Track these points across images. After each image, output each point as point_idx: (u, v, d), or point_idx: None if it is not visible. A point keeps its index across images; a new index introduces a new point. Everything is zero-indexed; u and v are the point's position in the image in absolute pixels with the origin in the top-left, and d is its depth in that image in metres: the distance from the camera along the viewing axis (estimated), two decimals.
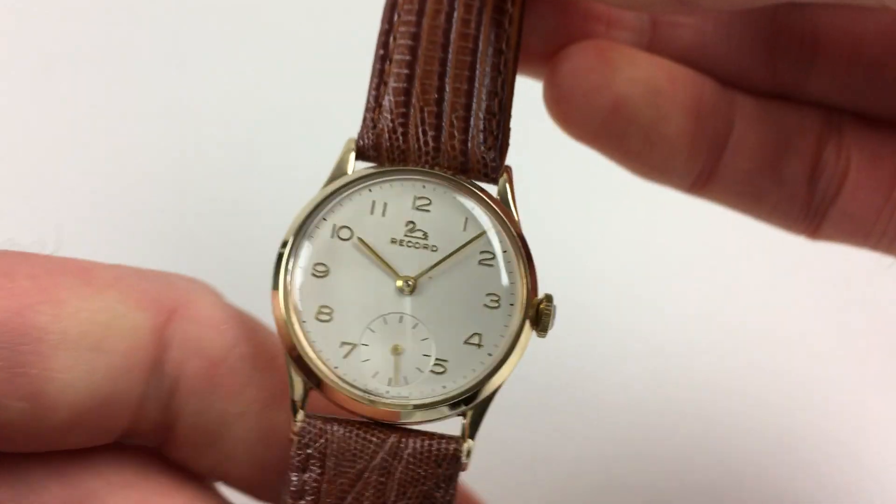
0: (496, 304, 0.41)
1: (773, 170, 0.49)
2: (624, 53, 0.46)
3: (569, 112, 0.46)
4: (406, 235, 0.42)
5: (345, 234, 0.42)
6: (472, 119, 0.43)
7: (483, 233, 0.42)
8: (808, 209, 0.49)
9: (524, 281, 0.41)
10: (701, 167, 0.48)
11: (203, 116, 0.69)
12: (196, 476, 0.42)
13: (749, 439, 0.60)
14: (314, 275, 0.41)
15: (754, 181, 0.49)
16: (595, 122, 0.46)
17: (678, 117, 0.47)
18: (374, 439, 0.39)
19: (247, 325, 0.41)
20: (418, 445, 0.39)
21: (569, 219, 0.67)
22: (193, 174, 0.68)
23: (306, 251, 0.41)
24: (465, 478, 0.51)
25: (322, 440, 0.39)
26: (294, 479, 0.39)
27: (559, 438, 0.60)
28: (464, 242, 0.42)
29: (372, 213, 0.42)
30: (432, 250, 0.41)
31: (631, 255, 0.66)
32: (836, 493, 0.59)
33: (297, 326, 0.40)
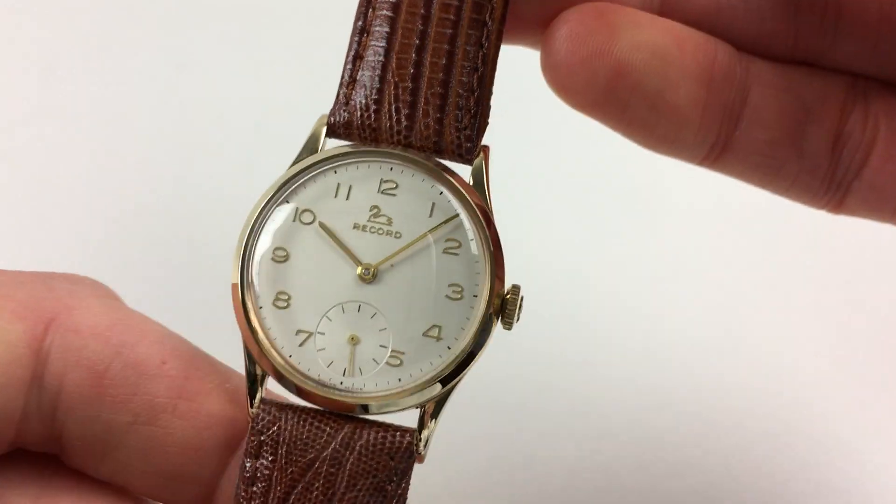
0: (458, 296, 0.40)
1: (792, 140, 0.45)
2: (627, 16, 0.43)
3: (567, 80, 0.43)
4: (370, 220, 0.40)
5: (307, 217, 0.40)
6: (449, 96, 0.41)
7: (449, 219, 0.40)
8: (831, 182, 0.46)
9: (489, 271, 0.40)
10: (714, 138, 0.45)
11: (203, 117, 0.69)
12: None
13: (749, 439, 0.58)
14: (273, 259, 0.40)
15: (772, 152, 0.45)
16: (595, 91, 0.43)
17: (688, 84, 0.43)
18: (328, 429, 0.39)
19: (135, 329, 0.39)
20: (371, 437, 0.39)
21: (566, 220, 0.65)
22: (193, 174, 0.68)
23: (266, 235, 0.40)
24: (464, 478, 0.51)
25: (275, 427, 0.39)
26: (247, 465, 0.39)
27: (558, 438, 0.59)
28: (428, 229, 0.40)
29: (336, 196, 0.41)
30: (395, 237, 0.40)
31: (630, 255, 0.64)
32: (836, 493, 0.57)
33: (252, 312, 0.40)
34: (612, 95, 0.43)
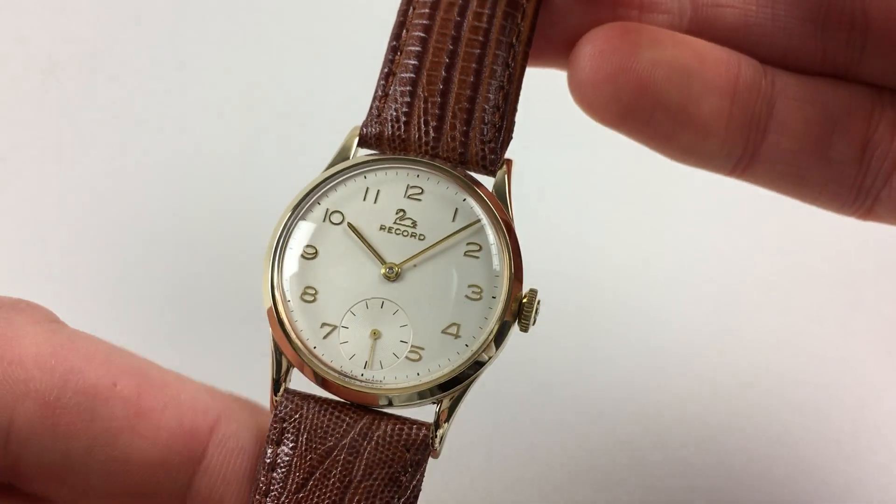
0: (478, 296, 0.41)
1: (819, 150, 0.46)
2: (648, 34, 0.45)
3: (592, 96, 0.45)
4: (395, 223, 0.42)
5: (336, 218, 0.43)
6: (475, 111, 0.44)
7: (471, 224, 0.42)
8: (860, 190, 0.47)
9: (509, 275, 0.41)
10: (741, 149, 0.46)
11: (203, 117, 0.70)
12: None
13: (749, 439, 0.58)
14: (303, 256, 0.42)
15: (799, 162, 0.46)
16: (619, 106, 0.45)
17: (711, 98, 0.45)
18: (347, 419, 0.40)
19: (81, 352, 0.38)
20: (389, 429, 0.40)
21: (570, 220, 0.66)
22: (193, 174, 0.68)
23: (298, 233, 0.42)
24: (464, 476, 0.51)
25: (297, 416, 0.40)
26: (268, 451, 0.40)
27: (558, 437, 0.59)
28: (451, 232, 0.42)
29: (364, 199, 0.43)
30: (419, 239, 0.42)
31: (632, 255, 0.65)
32: (837, 493, 0.56)
33: (280, 305, 0.42)
34: (636, 110, 0.45)
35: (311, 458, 0.40)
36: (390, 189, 0.43)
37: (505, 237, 0.42)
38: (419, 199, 0.43)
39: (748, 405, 0.59)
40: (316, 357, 0.41)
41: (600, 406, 0.59)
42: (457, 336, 0.41)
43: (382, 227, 0.42)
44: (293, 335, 0.41)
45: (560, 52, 0.47)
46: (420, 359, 0.41)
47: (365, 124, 0.44)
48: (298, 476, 0.40)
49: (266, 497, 0.40)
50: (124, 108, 0.70)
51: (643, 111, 0.45)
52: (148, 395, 0.38)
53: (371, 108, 0.44)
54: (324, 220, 0.43)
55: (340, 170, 0.43)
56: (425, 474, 0.41)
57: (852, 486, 0.56)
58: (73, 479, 0.38)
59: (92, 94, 0.70)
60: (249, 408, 0.41)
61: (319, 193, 0.43)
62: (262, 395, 0.42)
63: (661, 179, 0.65)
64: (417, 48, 0.45)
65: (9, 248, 0.64)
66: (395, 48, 0.45)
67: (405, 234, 0.42)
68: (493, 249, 0.42)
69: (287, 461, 0.40)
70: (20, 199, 0.67)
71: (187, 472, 0.39)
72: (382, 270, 0.42)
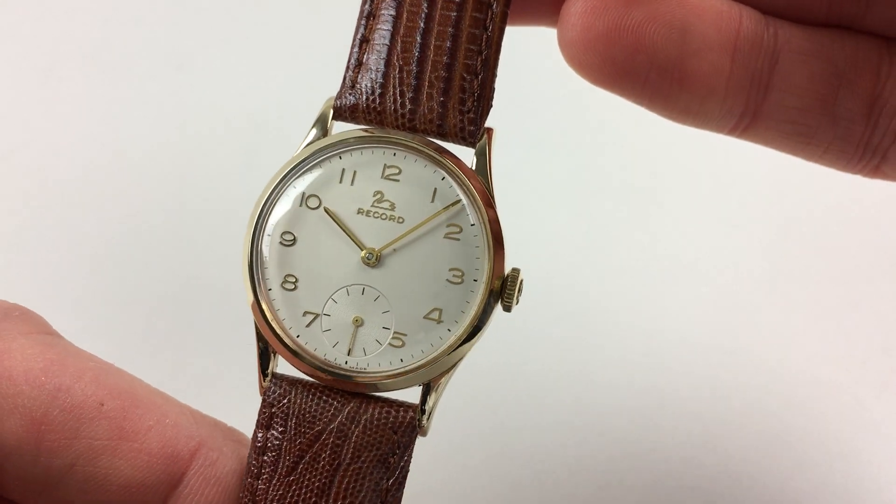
0: (459, 280, 0.41)
1: (825, 107, 0.44)
2: None
3: (584, 56, 0.42)
4: (373, 206, 0.41)
5: (312, 202, 0.42)
6: (453, 79, 0.42)
7: (451, 205, 0.41)
8: (867, 148, 0.45)
9: (490, 256, 0.41)
10: (742, 107, 0.44)
11: (202, 117, 0.69)
12: None
13: (748, 439, 0.59)
14: (281, 243, 0.42)
15: (804, 120, 0.44)
16: (613, 66, 0.42)
17: (710, 54, 0.43)
18: (335, 403, 0.41)
19: (70, 369, 0.39)
20: (376, 412, 0.41)
21: (570, 219, 0.65)
22: (193, 174, 0.68)
23: (274, 220, 0.42)
24: (464, 475, 0.52)
25: (286, 400, 0.41)
26: (259, 436, 0.41)
27: (558, 437, 0.60)
28: (430, 215, 0.41)
29: (341, 181, 0.42)
30: (398, 222, 0.41)
31: (632, 255, 0.64)
32: (836, 493, 0.57)
33: (262, 294, 0.41)
34: (631, 70, 0.42)
35: (300, 442, 0.41)
36: (367, 170, 0.42)
37: (485, 217, 0.41)
38: (397, 180, 0.41)
39: (748, 405, 0.59)
40: (299, 346, 0.41)
41: (600, 406, 0.59)
42: (439, 321, 0.41)
43: (360, 211, 0.41)
44: (275, 325, 0.41)
45: (545, 6, 0.44)
46: (403, 345, 0.41)
47: (338, 96, 0.42)
48: (289, 459, 0.41)
49: (258, 480, 0.41)
50: (124, 108, 0.70)
51: (638, 71, 0.42)
52: (133, 417, 0.39)
53: (344, 78, 0.43)
54: (300, 206, 0.42)
55: (314, 151, 0.42)
56: (412, 457, 0.41)
57: (852, 486, 0.57)
58: (52, 493, 0.38)
59: (92, 94, 0.70)
60: (234, 438, 0.41)
61: (294, 177, 0.42)
62: (256, 391, 0.43)
63: (661, 178, 0.64)
64: (391, 12, 0.42)
65: (9, 247, 0.65)
66: (367, 13, 0.43)
67: (384, 217, 0.41)
68: (474, 231, 0.41)
69: (277, 445, 0.41)
70: (20, 199, 0.67)
71: (162, 495, 0.39)
72: (362, 256, 0.41)
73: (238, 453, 0.41)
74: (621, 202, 0.65)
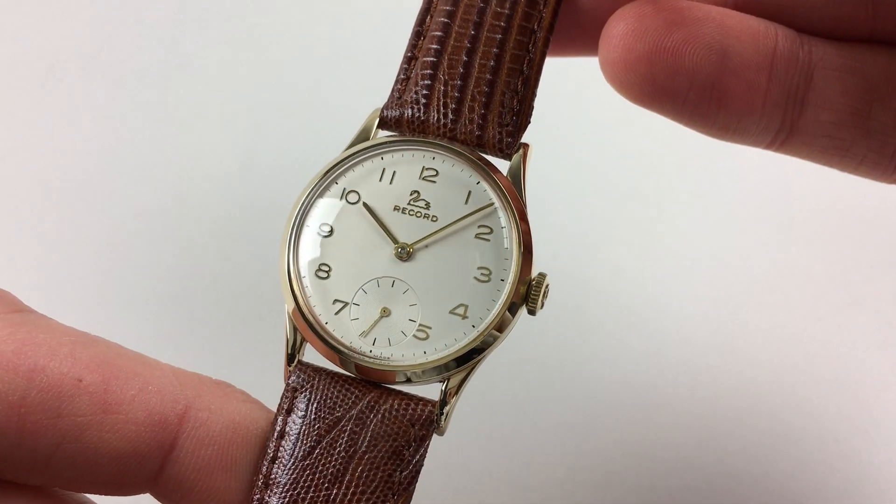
0: (486, 278, 0.42)
1: (859, 121, 0.45)
2: (681, 9, 0.44)
3: (625, 76, 0.44)
4: (409, 204, 0.43)
5: (352, 197, 0.44)
6: (494, 95, 0.44)
7: (484, 207, 0.43)
8: None
9: (519, 258, 0.42)
10: (779, 123, 0.45)
11: (202, 117, 0.70)
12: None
13: (749, 439, 0.58)
14: (319, 234, 0.43)
15: (840, 134, 0.46)
16: (653, 86, 0.44)
17: (748, 74, 0.44)
18: (356, 392, 0.41)
19: (44, 347, 0.37)
20: (395, 404, 0.41)
21: (570, 219, 0.66)
22: (193, 174, 0.69)
23: (315, 211, 0.44)
24: (464, 476, 0.52)
25: (309, 386, 0.42)
26: (279, 420, 0.42)
27: (558, 437, 0.59)
28: (463, 215, 0.43)
29: (381, 179, 0.44)
30: (432, 220, 0.43)
31: (632, 255, 0.65)
32: (836, 493, 0.56)
33: (295, 281, 0.43)
34: (671, 90, 0.44)
35: (318, 427, 0.41)
36: (406, 170, 0.44)
37: (516, 220, 0.42)
38: (434, 181, 0.43)
39: (748, 405, 0.59)
40: (327, 332, 0.42)
41: (600, 406, 0.59)
42: (464, 317, 0.42)
43: (396, 208, 0.43)
44: (306, 310, 0.42)
45: (585, 37, 0.47)
46: (427, 337, 0.42)
47: (386, 107, 0.45)
48: (306, 444, 0.41)
49: (274, 463, 0.41)
50: (124, 108, 0.70)
51: (678, 91, 0.44)
52: (114, 389, 0.38)
53: (393, 91, 0.45)
54: (340, 199, 0.44)
55: (359, 150, 0.44)
56: (427, 454, 0.41)
57: (852, 485, 0.56)
58: (43, 471, 0.38)
59: (92, 94, 0.71)
60: (221, 391, 0.40)
61: (337, 173, 0.44)
62: (267, 389, 0.43)
63: (662, 179, 0.65)
64: (440, 33, 0.45)
65: (9, 247, 0.65)
66: (418, 33, 0.46)
67: (418, 215, 0.43)
68: (504, 233, 0.42)
69: (296, 430, 0.41)
70: (20, 199, 0.68)
71: (157, 461, 0.39)
72: (394, 250, 0.43)
73: (228, 407, 0.40)
74: (621, 202, 0.66)
